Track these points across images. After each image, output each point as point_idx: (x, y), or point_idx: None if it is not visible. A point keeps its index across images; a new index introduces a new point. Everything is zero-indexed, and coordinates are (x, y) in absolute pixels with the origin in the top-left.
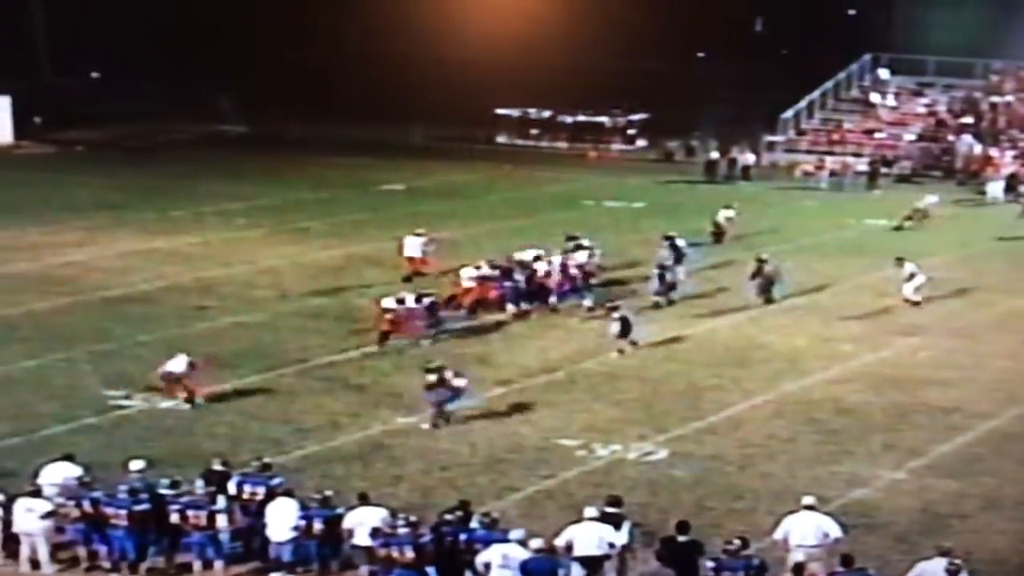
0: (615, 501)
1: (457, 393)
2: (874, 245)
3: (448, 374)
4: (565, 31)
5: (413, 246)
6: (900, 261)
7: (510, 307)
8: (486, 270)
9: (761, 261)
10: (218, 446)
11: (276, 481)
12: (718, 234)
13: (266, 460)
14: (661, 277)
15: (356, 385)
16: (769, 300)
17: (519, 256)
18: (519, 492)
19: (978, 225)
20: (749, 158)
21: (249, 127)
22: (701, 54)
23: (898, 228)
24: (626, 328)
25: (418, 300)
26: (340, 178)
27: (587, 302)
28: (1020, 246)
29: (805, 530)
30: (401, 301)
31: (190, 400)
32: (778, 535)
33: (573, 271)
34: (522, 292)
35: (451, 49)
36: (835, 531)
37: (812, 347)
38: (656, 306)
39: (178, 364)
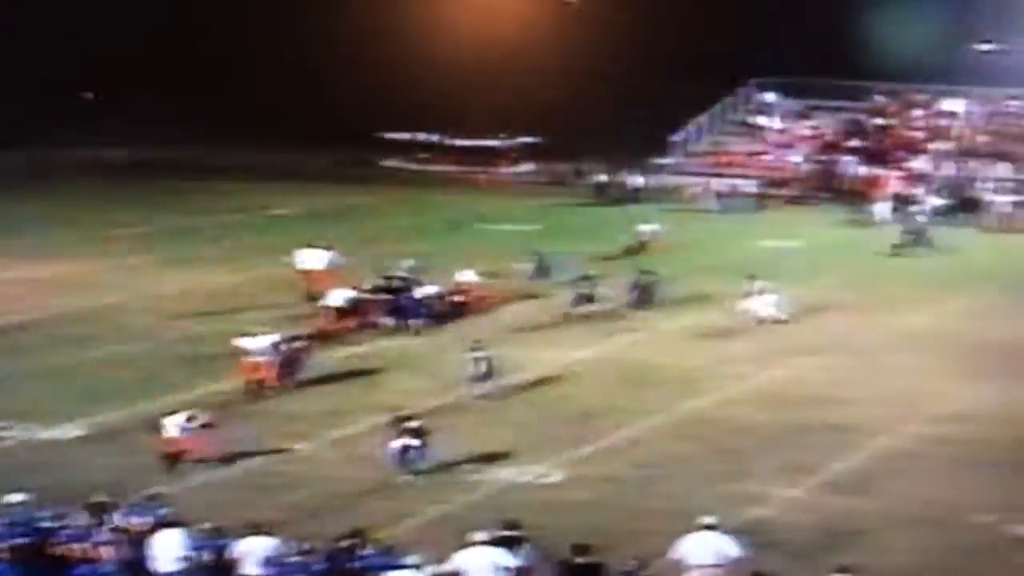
0: (512, 524)
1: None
2: (766, 266)
3: (415, 425)
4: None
5: (313, 258)
6: (752, 278)
7: (390, 322)
8: (363, 292)
9: (642, 273)
10: (103, 477)
11: (162, 511)
12: (640, 247)
13: (153, 491)
14: (578, 287)
15: (246, 413)
16: (645, 306)
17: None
18: (413, 517)
19: (867, 245)
20: (638, 180)
21: (132, 151)
22: (589, 77)
23: (896, 248)
24: (491, 371)
25: (291, 341)
26: (234, 204)
27: (414, 322)
28: (911, 264)
29: (702, 550)
30: (268, 336)
31: (175, 460)
32: (675, 555)
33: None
34: (405, 310)
35: (336, 74)
36: (733, 551)
37: (707, 367)
38: (567, 316)
39: (177, 420)
